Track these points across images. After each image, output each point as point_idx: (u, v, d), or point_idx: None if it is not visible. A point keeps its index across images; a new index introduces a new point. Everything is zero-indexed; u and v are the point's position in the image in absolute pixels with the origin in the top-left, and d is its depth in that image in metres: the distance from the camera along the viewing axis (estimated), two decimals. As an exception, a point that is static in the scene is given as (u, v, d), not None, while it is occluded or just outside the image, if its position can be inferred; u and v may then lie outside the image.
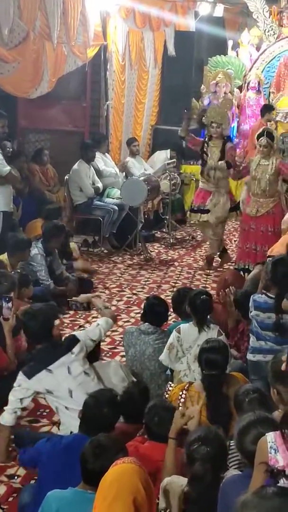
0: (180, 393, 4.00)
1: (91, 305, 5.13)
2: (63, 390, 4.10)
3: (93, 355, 4.60)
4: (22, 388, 4.15)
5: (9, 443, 4.31)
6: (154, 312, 5.19)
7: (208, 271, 8.64)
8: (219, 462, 2.81)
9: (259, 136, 7.79)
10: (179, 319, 5.70)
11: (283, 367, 1.97)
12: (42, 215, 7.89)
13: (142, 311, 5.43)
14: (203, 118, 8.57)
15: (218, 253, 8.84)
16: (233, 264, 8.47)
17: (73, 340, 4.29)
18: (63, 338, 4.72)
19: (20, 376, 4.17)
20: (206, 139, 8.45)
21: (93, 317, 6.92)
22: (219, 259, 8.92)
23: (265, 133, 7.76)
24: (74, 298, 5.23)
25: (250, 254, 7.85)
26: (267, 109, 11.33)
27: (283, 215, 7.44)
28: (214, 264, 8.84)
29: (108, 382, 4.33)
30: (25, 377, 4.14)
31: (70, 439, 3.53)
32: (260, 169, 7.70)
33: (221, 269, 8.71)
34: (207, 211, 8.44)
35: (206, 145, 8.37)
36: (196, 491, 2.79)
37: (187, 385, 4.08)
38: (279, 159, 7.93)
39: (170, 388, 4.21)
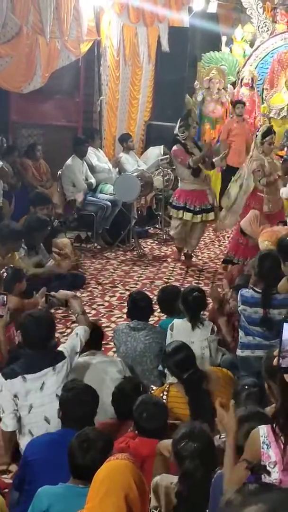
0: (161, 395, 4.02)
1: (69, 305, 4.82)
2: (26, 402, 3.98)
3: (97, 342, 4.60)
4: (5, 391, 4.04)
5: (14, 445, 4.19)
6: (139, 307, 5.22)
7: (190, 267, 8.60)
8: (207, 457, 2.81)
9: (266, 134, 7.74)
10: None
11: (275, 362, 1.97)
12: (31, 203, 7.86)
13: (127, 309, 5.43)
14: (189, 118, 8.48)
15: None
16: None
17: (59, 356, 4.13)
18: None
19: (0, 379, 4.07)
20: (182, 139, 8.30)
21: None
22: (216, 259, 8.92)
23: (271, 130, 7.82)
24: (52, 293, 4.91)
25: (245, 248, 7.76)
26: (236, 102, 11.28)
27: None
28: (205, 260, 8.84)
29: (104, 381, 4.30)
30: (2, 378, 4.04)
31: (55, 435, 3.53)
32: (273, 168, 7.75)
33: (210, 264, 8.74)
34: (190, 211, 8.32)
35: (188, 146, 8.28)
36: (187, 488, 2.78)
37: (167, 387, 4.10)
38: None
39: (152, 392, 4.21)
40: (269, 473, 2.37)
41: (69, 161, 9.15)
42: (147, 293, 7.07)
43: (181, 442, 2.85)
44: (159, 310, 6.71)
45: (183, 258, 8.83)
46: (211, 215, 8.41)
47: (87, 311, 6.97)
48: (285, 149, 10.75)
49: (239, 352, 4.91)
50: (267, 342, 4.66)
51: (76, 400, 3.46)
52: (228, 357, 5.10)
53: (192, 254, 8.90)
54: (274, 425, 2.36)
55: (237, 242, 7.74)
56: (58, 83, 9.64)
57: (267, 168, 7.70)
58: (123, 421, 3.81)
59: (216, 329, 5.05)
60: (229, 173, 10.05)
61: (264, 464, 2.40)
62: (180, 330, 4.85)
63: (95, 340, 4.58)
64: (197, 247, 9.15)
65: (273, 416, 2.36)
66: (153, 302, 5.70)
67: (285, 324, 1.93)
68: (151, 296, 5.87)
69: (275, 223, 7.22)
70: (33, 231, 6.97)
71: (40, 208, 7.72)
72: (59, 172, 9.27)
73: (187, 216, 8.36)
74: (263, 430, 2.46)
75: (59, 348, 4.30)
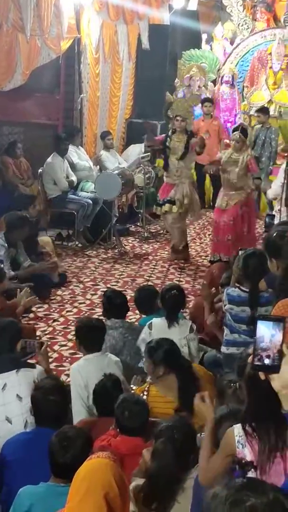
0: (141, 394, 4.04)
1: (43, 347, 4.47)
2: None
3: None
4: None
5: None
6: (114, 305, 5.21)
7: (176, 261, 8.69)
8: (184, 447, 2.84)
9: (234, 130, 7.94)
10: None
11: (249, 359, 1.99)
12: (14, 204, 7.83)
13: (103, 308, 5.43)
14: (168, 111, 8.60)
15: (182, 246, 8.83)
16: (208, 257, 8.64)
17: (29, 365, 4.13)
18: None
19: None
20: (170, 132, 8.51)
21: (67, 311, 6.93)
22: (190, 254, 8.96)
23: (239, 128, 7.93)
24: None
25: (222, 246, 8.06)
26: (204, 100, 11.33)
27: (249, 209, 7.96)
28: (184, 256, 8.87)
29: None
30: None
31: (31, 434, 3.54)
32: (230, 163, 7.90)
33: (192, 262, 8.77)
34: (169, 202, 8.51)
35: (169, 139, 8.42)
36: (157, 467, 2.81)
37: (147, 386, 4.12)
38: (250, 156, 8.04)
39: (132, 391, 4.23)
40: (256, 469, 2.38)
41: (49, 159, 9.13)
42: (129, 291, 7.11)
43: (162, 429, 2.88)
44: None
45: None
46: (166, 207, 8.56)
47: (69, 309, 7.00)
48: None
49: (224, 349, 4.93)
50: (253, 339, 4.68)
51: (45, 399, 3.47)
52: (211, 354, 5.12)
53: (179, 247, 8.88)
54: (245, 426, 2.38)
55: (215, 242, 8.01)
56: (38, 81, 9.61)
57: (223, 161, 7.92)
58: (104, 419, 3.82)
59: (195, 327, 5.06)
60: (200, 171, 10.13)
61: (252, 460, 2.41)
62: (158, 328, 4.87)
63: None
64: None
65: (242, 417, 2.37)
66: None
67: (258, 322, 1.93)
68: (132, 294, 5.87)
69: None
70: (13, 228, 6.96)
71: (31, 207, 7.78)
72: (40, 170, 9.24)
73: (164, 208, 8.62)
74: (238, 430, 2.47)
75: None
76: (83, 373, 4.29)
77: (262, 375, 1.96)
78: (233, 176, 7.89)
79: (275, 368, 1.91)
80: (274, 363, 1.90)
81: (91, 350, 4.41)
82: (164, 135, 8.60)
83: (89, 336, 4.44)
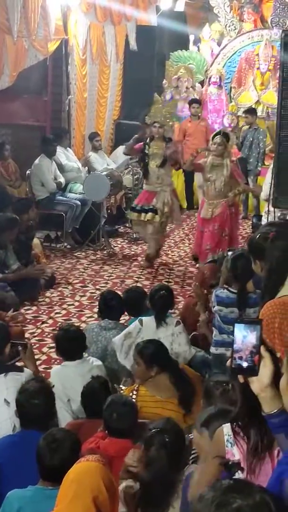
0: (130, 394, 4.04)
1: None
2: None
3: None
4: None
5: None
6: (109, 306, 5.22)
7: (148, 269, 8.50)
8: (175, 450, 2.83)
9: (215, 135, 7.83)
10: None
11: (228, 363, 1.99)
12: (7, 209, 7.79)
13: (98, 308, 5.43)
14: (146, 117, 8.48)
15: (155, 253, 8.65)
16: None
17: (17, 369, 4.15)
18: None
19: None
20: (148, 140, 8.27)
21: (56, 313, 6.91)
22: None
23: (221, 132, 7.85)
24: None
25: (201, 252, 7.88)
26: (191, 102, 11.34)
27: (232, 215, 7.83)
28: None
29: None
30: None
31: (16, 437, 3.52)
32: (215, 171, 7.68)
33: (180, 263, 8.78)
34: (152, 210, 8.26)
35: (147, 146, 8.21)
36: (151, 474, 2.80)
37: (136, 386, 4.12)
38: (232, 163, 7.95)
39: (121, 391, 4.23)
40: (243, 470, 2.38)
41: (37, 161, 9.11)
42: (118, 292, 7.09)
43: (152, 433, 2.87)
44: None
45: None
46: (149, 216, 8.28)
47: (57, 311, 6.98)
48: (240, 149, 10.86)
49: (213, 349, 4.94)
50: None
51: (29, 402, 3.45)
52: (199, 355, 5.13)
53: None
54: (234, 426, 2.38)
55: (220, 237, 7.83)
56: (26, 83, 9.59)
57: (206, 170, 7.72)
58: (92, 420, 3.81)
59: (180, 322, 5.06)
60: (188, 172, 10.12)
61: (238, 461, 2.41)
62: (147, 326, 4.88)
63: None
64: (167, 246, 9.19)
65: (234, 418, 2.37)
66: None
67: (236, 325, 1.93)
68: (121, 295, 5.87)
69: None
70: (2, 230, 6.94)
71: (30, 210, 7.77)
72: (28, 171, 9.22)
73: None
74: (227, 429, 2.47)
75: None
76: (60, 377, 4.29)
77: (241, 378, 1.97)
78: (218, 184, 7.66)
79: (253, 370, 1.92)
80: (250, 365, 1.91)
81: (72, 359, 4.41)
82: (142, 143, 8.41)
83: (68, 348, 4.44)
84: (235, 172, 7.89)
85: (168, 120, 8.45)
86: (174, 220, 8.74)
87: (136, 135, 8.53)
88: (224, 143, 7.69)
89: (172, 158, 8.25)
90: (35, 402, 3.43)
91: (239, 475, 2.07)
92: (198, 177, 10.13)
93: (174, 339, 4.96)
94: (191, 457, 3.20)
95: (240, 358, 1.91)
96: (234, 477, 2.12)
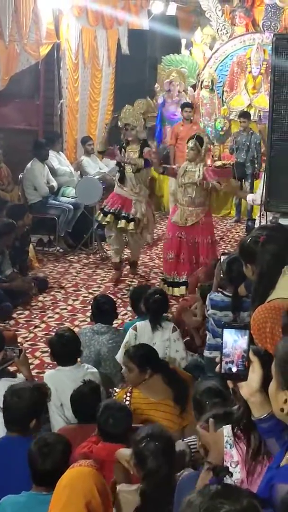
0: (124, 395, 4.04)
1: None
2: None
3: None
4: None
5: None
6: (102, 310, 5.22)
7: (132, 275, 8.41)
8: (169, 456, 2.83)
9: (189, 139, 7.73)
10: (135, 317, 5.72)
11: (217, 368, 2.00)
12: (1, 213, 7.79)
13: (91, 312, 5.43)
14: (118, 121, 8.28)
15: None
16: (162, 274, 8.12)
17: (10, 374, 4.16)
18: None
19: None
20: (123, 144, 7.98)
21: (49, 317, 6.90)
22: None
23: (195, 136, 7.73)
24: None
25: (175, 265, 7.60)
26: (184, 105, 11.33)
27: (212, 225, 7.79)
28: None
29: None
30: None
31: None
32: (187, 176, 7.50)
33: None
34: (125, 218, 7.92)
35: (123, 150, 7.91)
36: (151, 486, 2.79)
37: (130, 388, 4.12)
38: (206, 166, 7.77)
39: (115, 394, 4.23)
40: (231, 475, 2.38)
41: (30, 165, 9.11)
42: (111, 296, 7.09)
43: (142, 443, 2.86)
44: (123, 313, 6.75)
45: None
46: (122, 223, 7.93)
47: (50, 315, 6.97)
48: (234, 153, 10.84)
49: (206, 353, 4.95)
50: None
51: (12, 401, 3.42)
52: (193, 359, 5.13)
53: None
54: (235, 428, 2.38)
55: (167, 260, 7.68)
56: (18, 87, 9.58)
57: (179, 174, 7.56)
58: (84, 425, 3.81)
59: (177, 328, 5.07)
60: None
61: (226, 465, 2.42)
62: (142, 331, 4.88)
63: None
64: (160, 250, 9.17)
65: (236, 420, 2.38)
66: (117, 305, 5.71)
67: (225, 330, 1.94)
68: (114, 299, 5.87)
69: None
70: None
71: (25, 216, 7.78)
72: (20, 175, 9.21)
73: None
74: (227, 430, 2.47)
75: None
76: (54, 381, 4.28)
77: (230, 384, 1.97)
78: (191, 190, 7.47)
79: (242, 375, 1.93)
80: (239, 370, 1.91)
81: (66, 365, 4.40)
82: (118, 147, 8.14)
83: (63, 353, 4.42)
84: (207, 173, 7.54)
85: (141, 121, 7.99)
86: (148, 233, 8.47)
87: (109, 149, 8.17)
88: (197, 147, 7.49)
89: (148, 158, 7.87)
90: (16, 400, 3.39)
91: (229, 479, 2.07)
92: (170, 182, 10.04)
93: (170, 344, 4.97)
94: (187, 460, 3.21)
95: (230, 362, 1.91)
96: (222, 481, 2.12)
